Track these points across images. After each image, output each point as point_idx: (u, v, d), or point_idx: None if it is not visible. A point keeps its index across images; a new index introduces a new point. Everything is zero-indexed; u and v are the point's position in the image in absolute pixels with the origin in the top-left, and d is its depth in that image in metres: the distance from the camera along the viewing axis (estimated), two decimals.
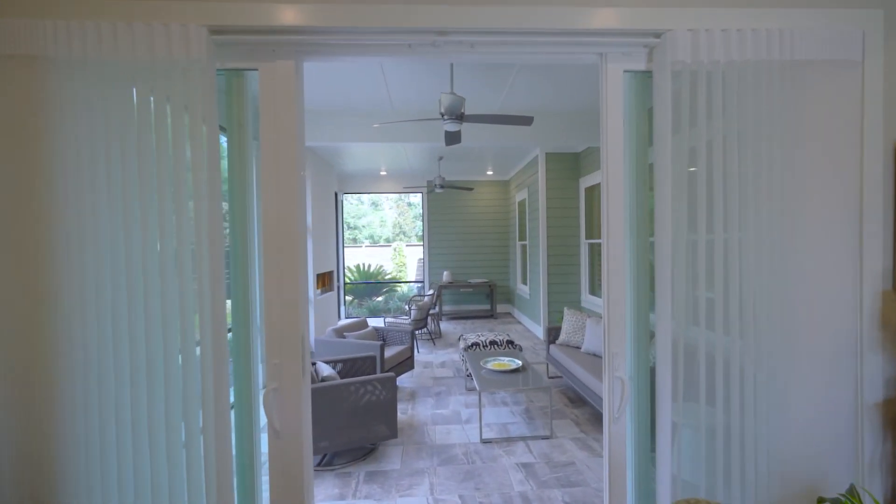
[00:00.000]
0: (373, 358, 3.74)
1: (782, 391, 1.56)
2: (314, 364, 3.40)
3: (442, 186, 7.12)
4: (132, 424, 1.42)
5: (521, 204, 8.06)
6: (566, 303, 6.55)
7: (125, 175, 1.42)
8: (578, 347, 4.48)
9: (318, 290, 7.05)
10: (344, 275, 9.25)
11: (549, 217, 6.57)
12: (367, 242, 25.75)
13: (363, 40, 1.56)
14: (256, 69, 1.57)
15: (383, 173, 8.76)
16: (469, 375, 4.48)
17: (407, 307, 6.16)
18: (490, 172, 8.78)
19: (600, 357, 4.15)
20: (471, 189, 7.40)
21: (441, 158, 7.28)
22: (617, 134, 1.65)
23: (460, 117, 3.20)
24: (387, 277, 11.82)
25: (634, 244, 1.74)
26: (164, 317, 1.44)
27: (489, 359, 4.00)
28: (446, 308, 9.20)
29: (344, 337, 4.47)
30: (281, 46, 1.54)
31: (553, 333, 4.79)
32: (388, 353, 4.46)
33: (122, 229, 1.42)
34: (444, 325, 8.07)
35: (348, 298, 11.12)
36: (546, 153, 6.56)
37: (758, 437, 1.53)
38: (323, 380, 3.01)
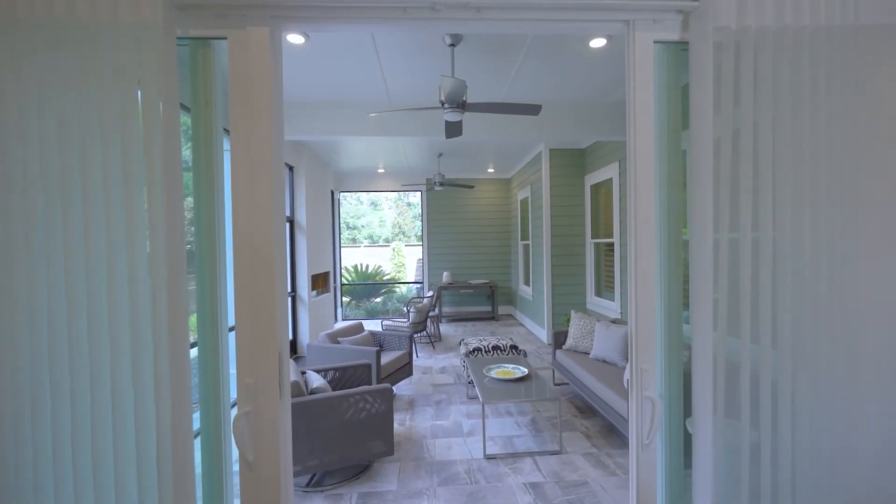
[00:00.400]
0: (368, 366, 3.51)
1: (842, 412, 1.32)
2: (303, 373, 3.17)
3: (441, 184, 6.88)
4: (74, 471, 1.19)
5: (524, 202, 7.83)
6: (571, 305, 6.32)
7: (64, 162, 1.19)
8: (587, 353, 4.25)
9: (313, 292, 6.82)
10: (341, 275, 9.01)
11: (554, 216, 6.34)
12: (366, 242, 25.53)
13: (351, 2, 1.33)
14: (225, 38, 1.33)
15: (381, 171, 8.52)
16: (471, 382, 4.26)
17: (405, 309, 5.93)
18: (491, 170, 8.55)
19: (610, 364, 3.92)
20: (471, 187, 7.17)
21: (441, 155, 7.05)
22: (646, 116, 1.42)
23: (462, 105, 2.96)
24: (385, 278, 11.58)
25: (665, 244, 1.51)
26: (111, 331, 1.21)
27: (492, 366, 3.77)
28: (446, 310, 8.97)
29: (338, 342, 4.24)
30: (254, 11, 1.31)
31: (559, 338, 4.55)
32: (385, 359, 4.23)
33: (61, 227, 1.19)
34: (444, 328, 7.84)
35: (346, 300, 10.89)
36: (550, 149, 6.33)
37: (813, 463, 1.30)
38: (312, 392, 2.77)
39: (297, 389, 2.67)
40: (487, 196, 9.09)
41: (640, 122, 1.42)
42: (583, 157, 6.37)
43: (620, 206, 5.15)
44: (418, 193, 9.13)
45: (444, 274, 8.58)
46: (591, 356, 4.12)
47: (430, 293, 6.98)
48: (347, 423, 2.75)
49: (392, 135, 4.60)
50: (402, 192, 10.14)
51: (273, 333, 1.38)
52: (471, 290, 8.73)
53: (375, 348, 3.92)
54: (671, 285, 1.51)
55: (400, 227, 18.59)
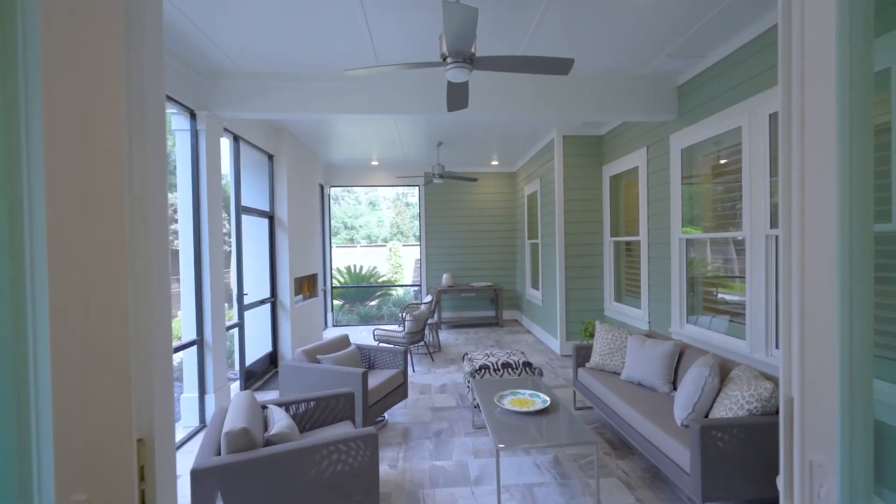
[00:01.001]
0: (350, 396, 2.78)
1: None
2: (265, 408, 2.45)
3: (441, 176, 6.17)
4: None
5: (532, 198, 7.12)
6: (588, 312, 5.61)
7: None
8: (616, 373, 3.54)
9: (298, 297, 6.09)
10: (331, 278, 8.29)
11: (568, 211, 5.63)
12: (363, 242, 24.76)
13: None
14: None
15: (375, 163, 7.80)
16: (477, 406, 3.54)
17: (401, 316, 5.22)
18: (495, 163, 7.83)
19: (648, 388, 3.21)
20: (474, 180, 6.46)
21: (440, 144, 6.33)
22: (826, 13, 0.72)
23: (470, 60, 2.25)
24: (381, 280, 10.85)
25: (847, 237, 0.80)
26: None
27: (505, 393, 3.05)
28: (446, 315, 8.25)
29: (317, 361, 3.52)
30: None
31: (582, 353, 3.84)
32: (375, 380, 3.51)
33: None
34: (444, 336, 7.12)
35: (337, 304, 10.16)
36: (564, 136, 5.62)
37: None
38: (270, 441, 2.05)
39: (247, 440, 1.95)
40: (491, 191, 8.39)
41: (814, 61, 0.71)
42: (600, 145, 5.66)
43: (649, 198, 4.44)
44: (416, 189, 8.42)
45: (444, 276, 7.86)
46: (622, 377, 3.41)
47: (429, 298, 6.26)
48: (318, 481, 2.03)
49: (382, 112, 3.88)
50: (400, 192, 9.35)
51: (125, 409, 0.67)
52: (473, 294, 8.01)
53: (361, 370, 3.20)
54: (853, 297, 0.79)
55: (398, 228, 17.86)
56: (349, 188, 8.11)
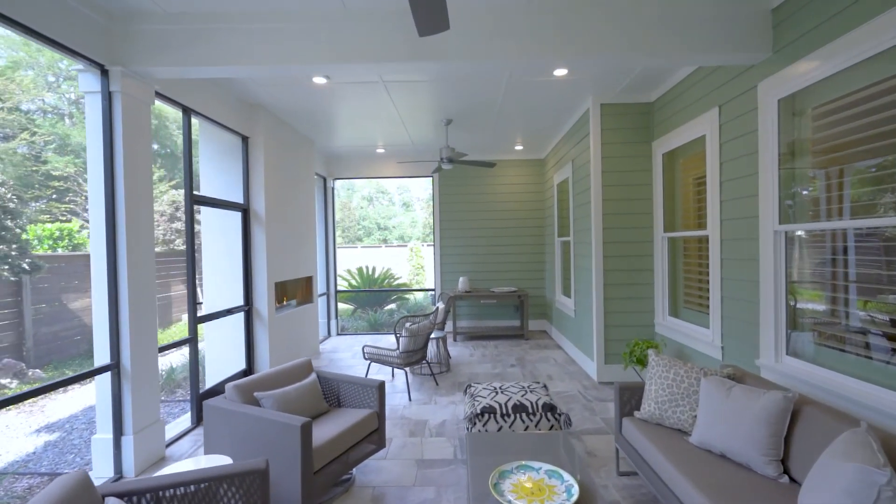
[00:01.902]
0: (261, 473, 1.79)
1: None
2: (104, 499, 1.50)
3: (450, 160, 5.13)
4: None
5: (562, 187, 5.95)
6: (633, 328, 4.40)
7: None
8: (682, 432, 2.38)
9: (291, 303, 5.22)
10: (335, 281, 7.43)
11: (607, 200, 4.45)
12: (395, 243, 24.03)
13: None
14: None
15: (381, 151, 6.86)
16: None
17: (395, 335, 4.20)
18: (519, 147, 6.70)
19: (737, 465, 2.04)
20: (491, 165, 5.38)
21: (449, 123, 5.29)
22: None
23: None
24: (396, 282, 9.92)
25: None
26: None
27: (509, 469, 1.97)
28: (463, 324, 7.19)
29: (255, 400, 2.57)
30: None
31: (627, 398, 2.69)
32: (334, 427, 2.52)
33: None
34: (458, 350, 6.06)
35: (348, 308, 9.33)
36: (602, 105, 4.44)
37: None
38: None
39: None
40: (515, 181, 7.26)
41: None
42: (649, 114, 4.44)
43: (723, 177, 3.22)
44: (429, 181, 7.41)
45: (460, 280, 6.81)
46: (693, 441, 2.25)
47: (437, 306, 5.24)
48: None
49: (355, 61, 2.89)
50: (405, 178, 8.30)
51: None
52: (493, 301, 6.91)
53: (302, 420, 2.21)
54: None
55: (431, 227, 17.08)
56: (353, 180, 7.21)
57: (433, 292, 6.87)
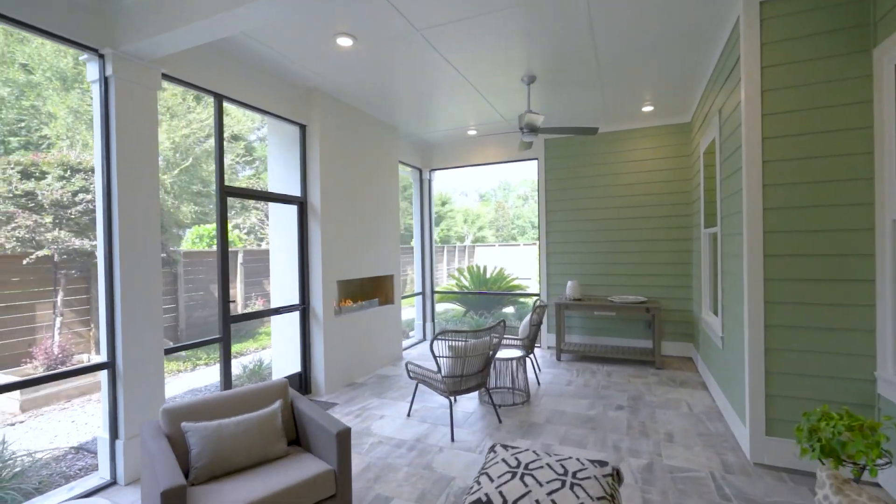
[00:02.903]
0: None
1: None
2: None
3: (532, 130, 3.95)
4: None
5: (709, 153, 4.10)
6: (823, 379, 2.57)
7: None
8: None
9: (348, 304, 4.83)
10: (432, 281, 6.84)
11: (772, 162, 2.68)
12: (525, 241, 22.84)
13: None
14: None
15: (472, 132, 5.96)
16: None
17: (432, 354, 3.26)
18: (648, 108, 4.95)
19: None
20: (592, 131, 3.96)
21: (532, 81, 4.07)
22: None
23: None
24: (511, 283, 8.85)
25: None
26: None
27: None
28: (574, 340, 5.78)
29: (180, 431, 2.03)
30: None
31: None
32: (256, 489, 1.81)
33: None
34: (558, 373, 4.77)
35: (459, 309, 8.71)
36: (763, 3, 2.69)
37: None
38: None
39: None
40: (646, 156, 5.48)
41: None
42: (870, 6, 2.48)
43: None
44: (534, 163, 6.19)
45: (569, 284, 5.44)
46: None
47: (501, 321, 4.09)
48: None
49: None
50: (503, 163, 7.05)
51: None
52: (612, 314, 5.31)
53: (166, 485, 1.55)
54: None
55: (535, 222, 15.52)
56: (451, 170, 6.51)
57: (538, 298, 5.63)
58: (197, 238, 8.12)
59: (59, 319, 5.47)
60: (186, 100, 10.66)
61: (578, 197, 5.77)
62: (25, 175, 5.09)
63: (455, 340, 3.22)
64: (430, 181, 6.81)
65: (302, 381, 4.27)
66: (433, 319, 6.85)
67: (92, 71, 2.71)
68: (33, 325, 5.35)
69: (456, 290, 8.91)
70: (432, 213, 6.87)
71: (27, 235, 4.73)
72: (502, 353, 4.01)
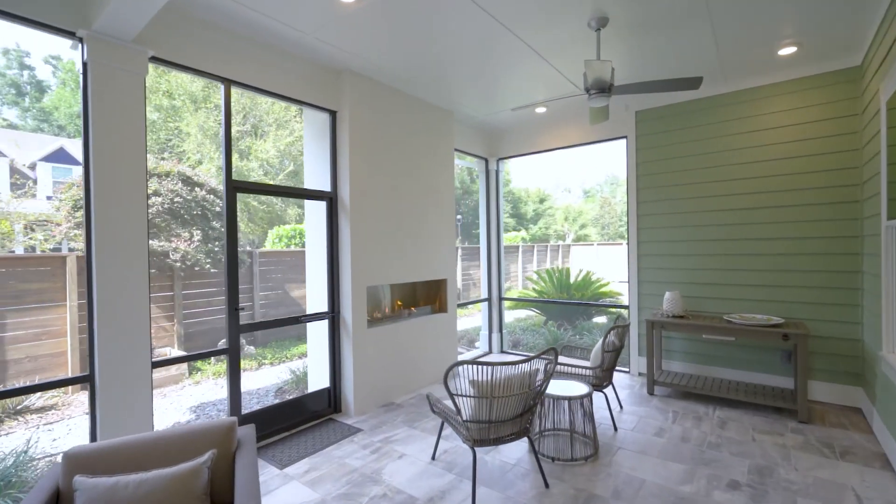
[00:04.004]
0: None
1: None
2: None
3: (600, 90, 2.93)
4: None
5: (895, 107, 2.62)
6: None
7: None
8: None
9: (390, 313, 4.27)
10: (501, 284, 6.00)
11: None
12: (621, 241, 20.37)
13: None
14: None
15: (541, 110, 4.97)
16: None
17: (446, 389, 2.46)
18: (789, 51, 3.47)
19: None
20: (695, 84, 2.78)
21: (603, 26, 3.00)
22: None
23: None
24: (601, 290, 7.51)
25: None
26: None
27: None
28: (674, 368, 4.47)
29: (71, 495, 1.59)
30: None
31: None
32: None
33: None
34: (647, 412, 3.61)
35: (530, 317, 7.68)
36: None
37: None
38: None
39: None
40: (784, 121, 3.94)
41: None
42: None
43: None
44: (622, 143, 4.95)
45: (667, 297, 4.17)
46: None
47: (551, 351, 3.10)
48: None
49: None
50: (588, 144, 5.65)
51: None
52: (731, 339, 3.91)
53: None
54: None
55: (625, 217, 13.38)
56: (522, 157, 5.59)
57: (619, 315, 4.42)
58: (276, 238, 8.39)
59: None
60: (290, 109, 11.28)
61: (681, 182, 4.43)
62: None
63: (485, 374, 2.40)
64: (497, 172, 5.97)
65: (331, 399, 3.82)
66: (501, 329, 6.00)
67: (78, 61, 2.50)
68: None
69: (532, 295, 7.86)
70: (501, 207, 6.02)
71: None
72: (560, 388, 3.05)
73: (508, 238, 15.73)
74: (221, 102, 3.11)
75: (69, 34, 2.41)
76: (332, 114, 3.84)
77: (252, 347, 6.68)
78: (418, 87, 4.18)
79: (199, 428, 1.83)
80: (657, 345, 4.43)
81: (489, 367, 2.37)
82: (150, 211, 5.42)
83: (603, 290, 7.38)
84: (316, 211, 3.94)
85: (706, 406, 3.80)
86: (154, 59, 2.72)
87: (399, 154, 4.24)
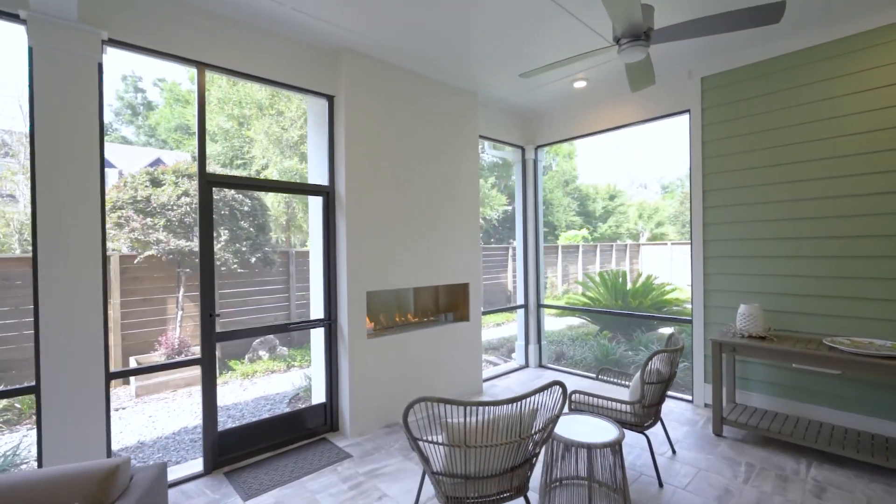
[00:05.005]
0: None
1: None
2: None
3: (635, 34, 2.20)
4: None
5: None
6: None
7: None
8: None
9: (406, 321, 3.81)
10: (540, 289, 5.28)
11: None
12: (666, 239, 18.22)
13: None
14: None
15: (580, 84, 4.19)
16: None
17: (408, 436, 1.89)
18: None
19: None
20: (774, 14, 1.96)
21: None
22: None
23: None
24: (666, 298, 6.41)
25: None
26: None
27: None
28: (750, 401, 3.50)
29: None
30: None
31: None
32: None
33: None
34: (711, 465, 2.77)
35: (581, 325, 6.79)
36: None
37: None
38: None
39: None
40: None
41: None
42: None
43: None
44: (684, 119, 4.02)
45: (743, 311, 3.24)
46: None
47: (555, 385, 2.39)
48: None
49: None
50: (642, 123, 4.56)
51: None
52: (836, 372, 2.90)
53: None
54: None
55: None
56: (565, 143, 4.83)
57: (672, 333, 3.52)
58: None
59: (180, 313, 6.00)
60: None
61: (764, 164, 3.44)
62: (154, 183, 5.67)
63: (450, 413, 1.82)
64: (535, 161, 5.26)
65: (327, 416, 3.44)
66: (539, 340, 5.28)
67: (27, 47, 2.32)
68: (163, 317, 5.99)
69: (582, 301, 6.94)
70: (539, 202, 5.29)
71: (140, 237, 5.18)
72: (580, 429, 2.37)
73: (567, 237, 14.66)
74: (195, 89, 2.83)
75: (12, 17, 2.23)
76: (330, 99, 3.45)
77: (285, 349, 6.60)
78: (433, 65, 3.66)
79: (67, 472, 1.48)
80: (729, 372, 3.50)
81: (462, 408, 1.79)
82: (178, 212, 5.48)
83: (667, 297, 6.30)
84: (317, 208, 3.59)
85: (796, 460, 2.84)
86: (113, 43, 2.49)
87: (411, 143, 3.76)
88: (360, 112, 3.42)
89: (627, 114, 4.32)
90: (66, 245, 2.30)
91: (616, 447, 2.27)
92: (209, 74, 2.50)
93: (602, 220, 24.18)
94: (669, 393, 4.14)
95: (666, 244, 15.56)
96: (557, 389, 1.96)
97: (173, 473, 2.77)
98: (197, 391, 5.19)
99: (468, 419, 1.81)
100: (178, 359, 4.97)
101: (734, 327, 3.36)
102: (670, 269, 13.20)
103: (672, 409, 3.77)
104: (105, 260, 2.46)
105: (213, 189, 5.91)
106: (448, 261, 4.08)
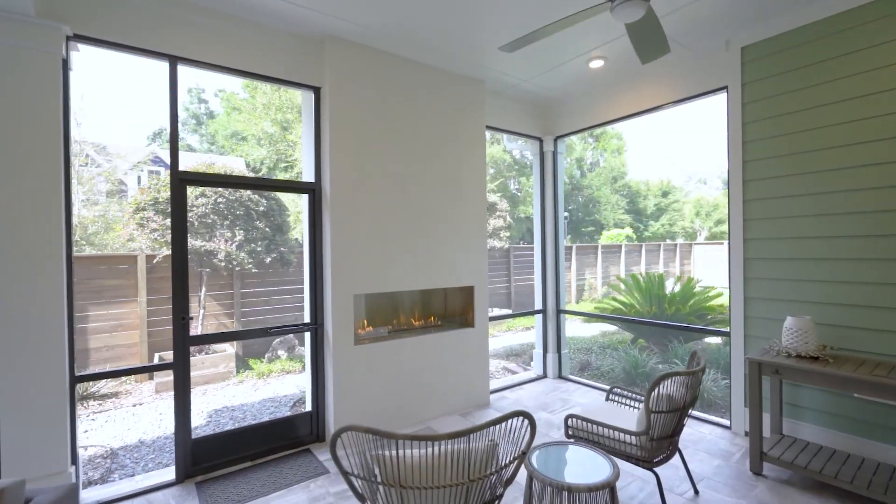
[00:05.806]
0: None
1: None
2: None
3: None
4: None
5: None
6: None
7: None
8: None
9: (369, 330, 3.57)
10: (561, 293, 4.84)
11: None
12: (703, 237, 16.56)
13: None
14: None
15: (597, 63, 3.71)
16: None
17: (340, 471, 1.62)
18: None
19: None
20: None
21: None
22: None
23: None
24: (709, 304, 5.68)
25: None
26: None
27: None
28: (800, 434, 2.91)
29: None
30: None
31: None
32: None
33: None
34: None
35: (614, 333, 6.21)
36: None
37: None
38: None
39: None
40: None
41: None
42: None
43: None
44: (721, 98, 3.44)
45: (790, 324, 2.68)
46: None
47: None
48: None
49: None
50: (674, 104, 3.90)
51: None
52: None
53: None
54: None
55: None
56: (586, 131, 4.35)
57: (696, 351, 2.94)
58: None
59: (201, 311, 6.13)
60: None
61: (815, 148, 2.83)
62: None
63: (383, 447, 1.54)
64: (554, 153, 4.82)
65: (313, 425, 3.26)
66: (559, 349, 4.83)
67: None
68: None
69: (614, 306, 6.33)
70: (560, 198, 4.84)
71: (160, 237, 5.31)
72: (567, 466, 1.99)
73: (609, 236, 13.80)
74: (167, 83, 2.74)
75: None
76: (316, 91, 3.26)
77: (303, 349, 6.58)
78: (431, 51, 3.38)
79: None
80: (774, 396, 2.93)
81: (396, 442, 1.50)
82: (195, 213, 5.57)
83: (710, 303, 5.58)
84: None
85: None
86: (80, 38, 2.43)
87: (408, 137, 3.50)
88: (349, 104, 3.20)
89: (656, 95, 3.80)
90: (22, 248, 2.25)
91: (606, 491, 1.87)
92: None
93: (654, 219, 22.74)
94: (702, 416, 3.58)
95: (723, 244, 14.23)
96: (522, 422, 1.62)
97: (146, 481, 2.69)
98: (212, 389, 5.25)
99: (403, 452, 1.52)
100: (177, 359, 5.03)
101: (779, 343, 2.80)
102: (727, 270, 12.01)
103: (704, 435, 3.24)
104: (70, 260, 2.41)
105: (230, 191, 6.00)
106: (451, 262, 3.79)
